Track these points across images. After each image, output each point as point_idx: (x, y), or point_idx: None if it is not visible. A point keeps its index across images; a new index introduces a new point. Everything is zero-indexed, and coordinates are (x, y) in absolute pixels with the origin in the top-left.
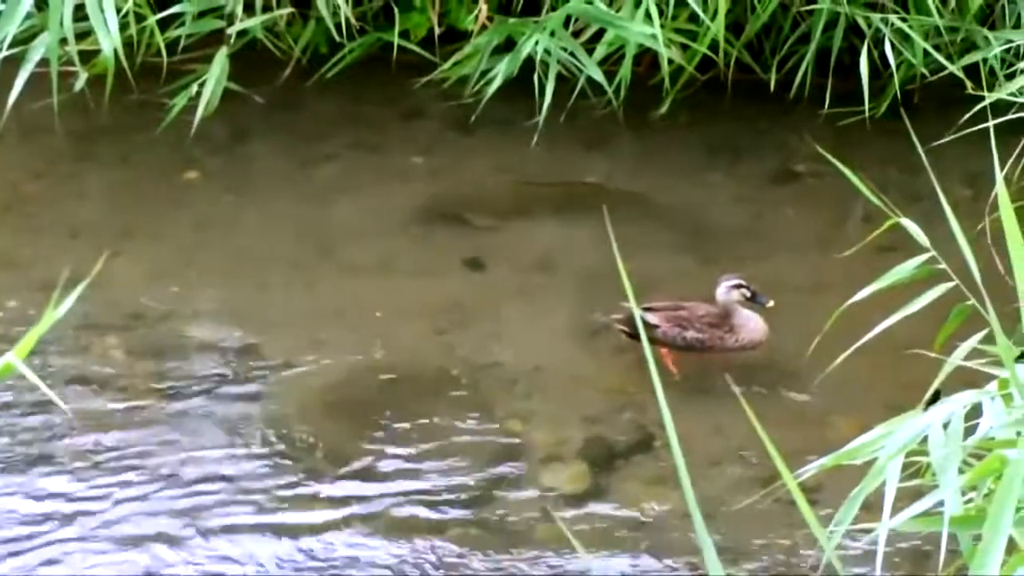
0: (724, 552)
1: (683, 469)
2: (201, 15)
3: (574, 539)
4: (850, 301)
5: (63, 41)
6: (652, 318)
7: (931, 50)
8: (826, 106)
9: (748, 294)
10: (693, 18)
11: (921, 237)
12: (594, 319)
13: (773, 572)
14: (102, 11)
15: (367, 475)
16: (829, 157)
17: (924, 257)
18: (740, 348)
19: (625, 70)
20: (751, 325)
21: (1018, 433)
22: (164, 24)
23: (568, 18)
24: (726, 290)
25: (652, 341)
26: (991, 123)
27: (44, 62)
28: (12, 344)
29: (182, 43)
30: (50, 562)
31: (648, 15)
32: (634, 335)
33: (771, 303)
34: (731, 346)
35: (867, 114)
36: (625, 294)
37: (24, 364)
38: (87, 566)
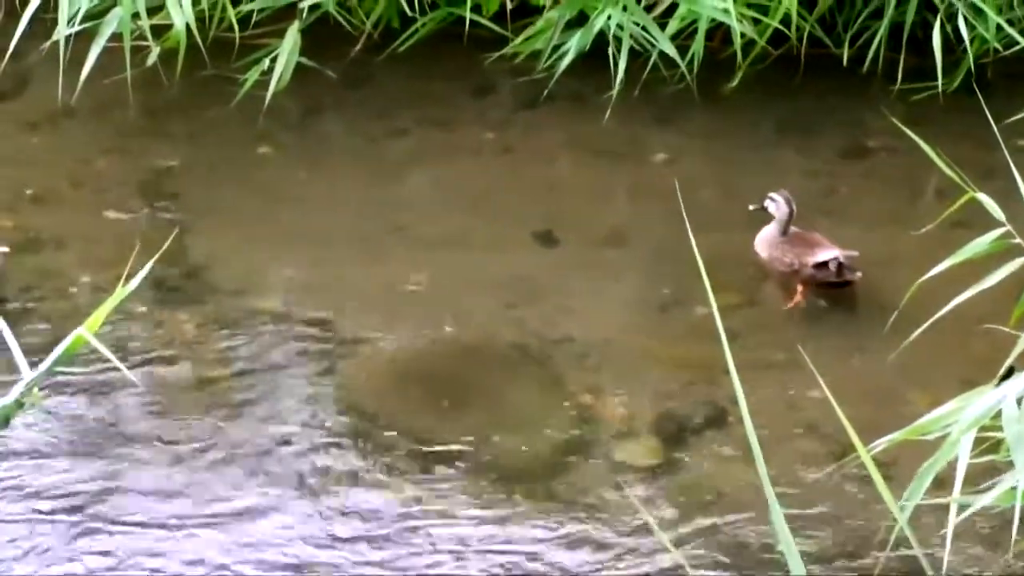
0: (796, 526)
1: (756, 444)
2: None
3: (646, 514)
4: (926, 276)
5: (135, 16)
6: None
7: (1004, 25)
8: (898, 81)
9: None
10: None
11: (997, 212)
12: (664, 294)
13: (845, 546)
14: None
15: (438, 449)
16: (906, 131)
17: (999, 232)
18: None
19: (698, 44)
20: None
21: None
22: None
23: None
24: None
25: (851, 282)
26: None
27: (116, 37)
28: (84, 317)
29: (254, 18)
30: (123, 533)
31: None
32: (840, 283)
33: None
34: None
35: (940, 89)
36: (698, 269)
37: (95, 338)
38: (159, 539)
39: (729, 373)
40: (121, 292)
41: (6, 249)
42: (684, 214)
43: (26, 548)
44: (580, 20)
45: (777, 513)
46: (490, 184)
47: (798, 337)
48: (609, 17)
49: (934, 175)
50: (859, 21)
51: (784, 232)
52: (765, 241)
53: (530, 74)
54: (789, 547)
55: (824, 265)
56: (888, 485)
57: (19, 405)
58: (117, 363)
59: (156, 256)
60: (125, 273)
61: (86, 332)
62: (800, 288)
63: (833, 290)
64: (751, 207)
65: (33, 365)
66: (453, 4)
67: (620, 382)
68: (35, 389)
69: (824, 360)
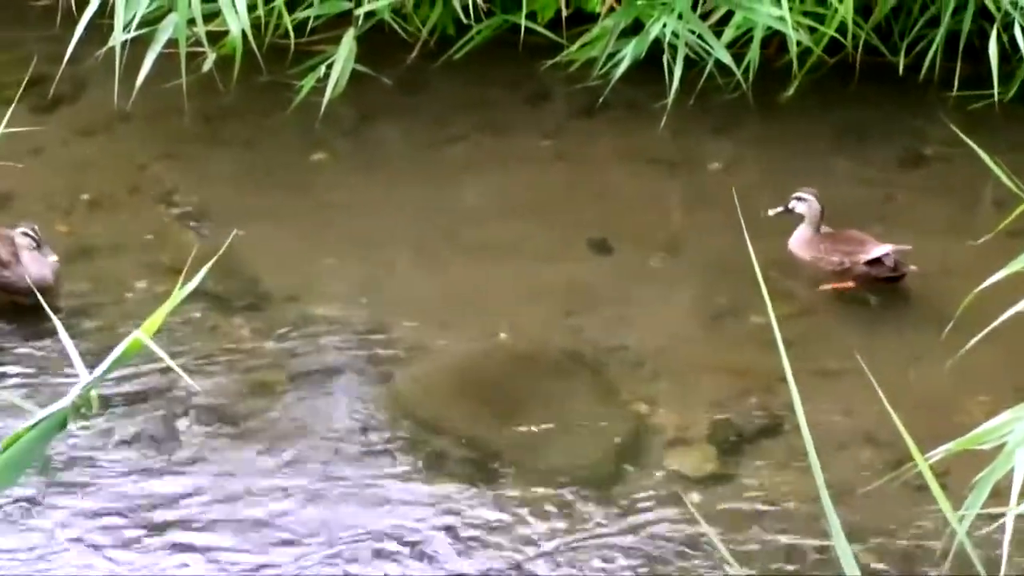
0: (853, 536)
1: (813, 452)
2: None
3: (702, 522)
4: (983, 285)
5: (191, 22)
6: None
7: None
8: (955, 89)
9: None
10: (822, 0)
11: None
12: (719, 303)
13: (902, 556)
14: None
15: (492, 456)
16: (964, 139)
17: None
18: None
19: (753, 53)
20: None
21: None
22: (292, 5)
23: (696, 0)
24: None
25: (904, 275)
26: None
27: (172, 43)
28: (139, 322)
29: (310, 24)
30: (175, 543)
31: None
32: (896, 277)
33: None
34: None
35: (996, 98)
36: (756, 278)
37: (152, 342)
38: (212, 544)
39: (784, 381)
40: (177, 296)
41: (55, 258)
42: (743, 223)
43: (81, 550)
44: (635, 28)
45: (834, 522)
46: (545, 192)
47: (853, 346)
48: (664, 25)
49: (991, 184)
50: (915, 29)
51: (817, 230)
52: (803, 242)
53: (585, 82)
54: (846, 556)
55: (878, 261)
56: (944, 495)
57: (76, 408)
58: (174, 366)
59: (212, 260)
60: (181, 278)
61: (143, 335)
62: (850, 283)
63: (887, 284)
64: (770, 212)
65: (90, 369)
66: (508, 11)
67: (675, 391)
68: (92, 392)
69: (880, 369)
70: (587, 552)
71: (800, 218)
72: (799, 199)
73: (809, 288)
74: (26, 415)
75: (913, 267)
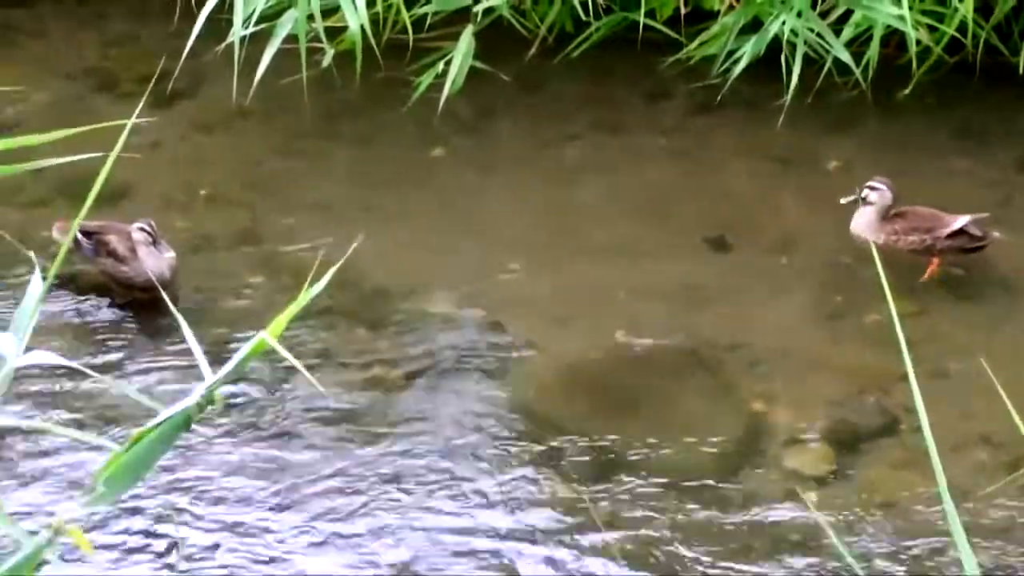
0: (972, 537)
1: (935, 453)
2: None
3: (822, 520)
4: None
5: (310, 18)
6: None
7: None
8: None
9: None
10: None
11: None
12: (836, 301)
13: (1020, 558)
14: None
15: (608, 455)
16: None
17: None
18: None
19: (873, 51)
20: None
21: None
22: (410, 1)
23: None
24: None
25: (988, 243)
26: None
27: (291, 38)
28: (258, 319)
29: (428, 21)
30: (294, 541)
31: None
32: (980, 246)
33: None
34: None
35: None
36: (871, 276)
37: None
38: (330, 535)
39: (900, 380)
40: (304, 297)
41: (172, 254)
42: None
43: (200, 544)
44: (754, 25)
45: (956, 523)
46: (662, 189)
47: (971, 345)
48: (784, 23)
49: None
50: None
51: (883, 217)
52: (872, 225)
53: (703, 79)
54: (968, 558)
55: (960, 233)
56: None
57: (200, 408)
58: (299, 367)
59: (338, 264)
60: (309, 278)
61: (268, 337)
62: (935, 260)
63: (972, 254)
64: (842, 200)
65: (211, 367)
66: (627, 8)
67: (791, 389)
68: (216, 392)
69: (997, 370)
70: (705, 550)
71: (870, 205)
72: (872, 188)
73: (928, 288)
74: (147, 411)
75: (997, 233)
